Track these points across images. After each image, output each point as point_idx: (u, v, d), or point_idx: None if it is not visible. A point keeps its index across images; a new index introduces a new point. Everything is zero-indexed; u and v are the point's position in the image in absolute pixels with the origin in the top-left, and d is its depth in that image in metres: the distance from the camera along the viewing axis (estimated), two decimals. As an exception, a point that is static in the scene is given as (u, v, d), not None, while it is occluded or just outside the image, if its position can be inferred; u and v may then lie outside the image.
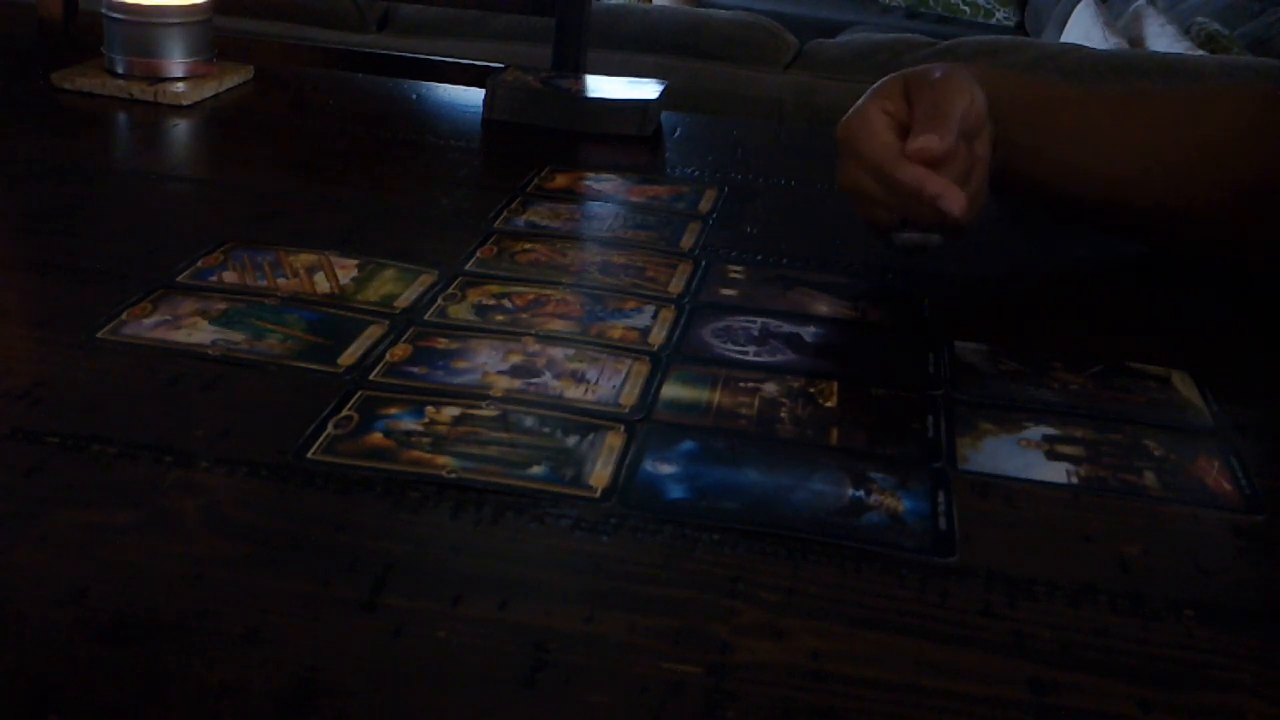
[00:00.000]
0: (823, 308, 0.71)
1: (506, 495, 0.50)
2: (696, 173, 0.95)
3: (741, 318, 0.68)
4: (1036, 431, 0.58)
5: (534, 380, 0.59)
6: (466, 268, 0.73)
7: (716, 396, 0.59)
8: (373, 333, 0.63)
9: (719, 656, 0.42)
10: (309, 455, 0.52)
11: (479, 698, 0.40)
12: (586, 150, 1.00)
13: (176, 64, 1.04)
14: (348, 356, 0.60)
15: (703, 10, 2.35)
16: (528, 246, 0.76)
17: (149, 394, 0.57)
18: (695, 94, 1.87)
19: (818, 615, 0.45)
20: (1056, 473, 0.55)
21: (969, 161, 0.72)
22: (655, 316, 0.67)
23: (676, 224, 0.83)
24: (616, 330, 0.65)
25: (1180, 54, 2.25)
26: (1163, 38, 2.53)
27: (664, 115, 1.08)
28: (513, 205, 0.84)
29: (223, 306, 0.64)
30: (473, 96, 1.10)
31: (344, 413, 0.55)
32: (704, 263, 0.76)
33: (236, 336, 0.61)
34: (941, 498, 0.52)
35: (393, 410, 0.56)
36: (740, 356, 0.64)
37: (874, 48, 2.02)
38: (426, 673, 0.40)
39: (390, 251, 0.73)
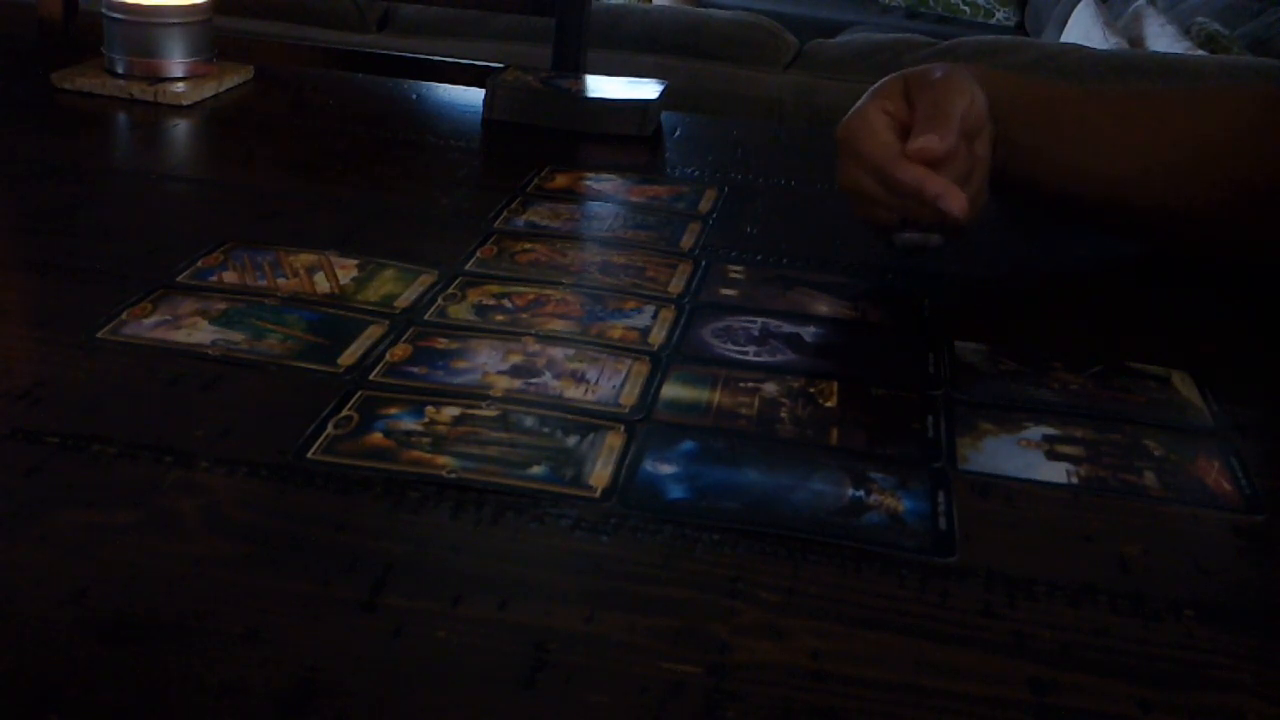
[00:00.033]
0: (823, 308, 0.71)
1: (506, 495, 0.50)
2: (696, 173, 0.95)
3: (741, 318, 0.68)
4: (1036, 431, 0.58)
5: (534, 380, 0.59)
6: (466, 268, 0.73)
7: (716, 396, 0.59)
8: (373, 333, 0.63)
9: (719, 656, 0.42)
10: (309, 455, 0.52)
11: (479, 698, 0.40)
12: (586, 150, 1.00)
13: (176, 64, 1.04)
14: (348, 356, 0.60)
15: (703, 10, 2.35)
16: (528, 246, 0.76)
17: (149, 394, 0.57)
18: (695, 94, 1.87)
19: (818, 615, 0.45)
20: (1056, 473, 0.55)
21: (969, 162, 0.72)
22: (655, 316, 0.67)
23: (676, 224, 0.83)
24: (616, 330, 0.65)
25: (1180, 54, 2.25)
26: (1163, 38, 2.53)
27: (664, 115, 1.08)
28: (513, 205, 0.84)
29: (223, 306, 0.64)
30: (473, 96, 1.10)
31: (344, 413, 0.55)
32: (704, 263, 0.76)
33: (236, 336, 0.61)
34: (941, 498, 0.52)
35: (393, 410, 0.56)
36: (740, 356, 0.64)
37: (874, 48, 2.02)
38: (426, 673, 0.40)
39: (390, 251, 0.73)
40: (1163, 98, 0.86)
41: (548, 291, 0.70)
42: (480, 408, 0.56)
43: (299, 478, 0.50)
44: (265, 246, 0.73)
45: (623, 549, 0.47)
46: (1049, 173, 0.79)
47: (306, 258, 0.71)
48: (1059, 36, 3.01)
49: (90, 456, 0.51)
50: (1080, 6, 2.93)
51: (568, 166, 0.94)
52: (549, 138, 1.02)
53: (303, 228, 0.78)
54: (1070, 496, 0.54)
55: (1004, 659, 0.43)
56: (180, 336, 0.61)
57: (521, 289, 0.70)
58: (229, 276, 0.68)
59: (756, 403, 0.59)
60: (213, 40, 1.07)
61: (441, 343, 0.62)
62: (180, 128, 0.99)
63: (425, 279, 0.70)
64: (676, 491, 0.51)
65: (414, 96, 1.16)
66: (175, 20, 1.04)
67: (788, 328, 0.68)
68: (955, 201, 0.68)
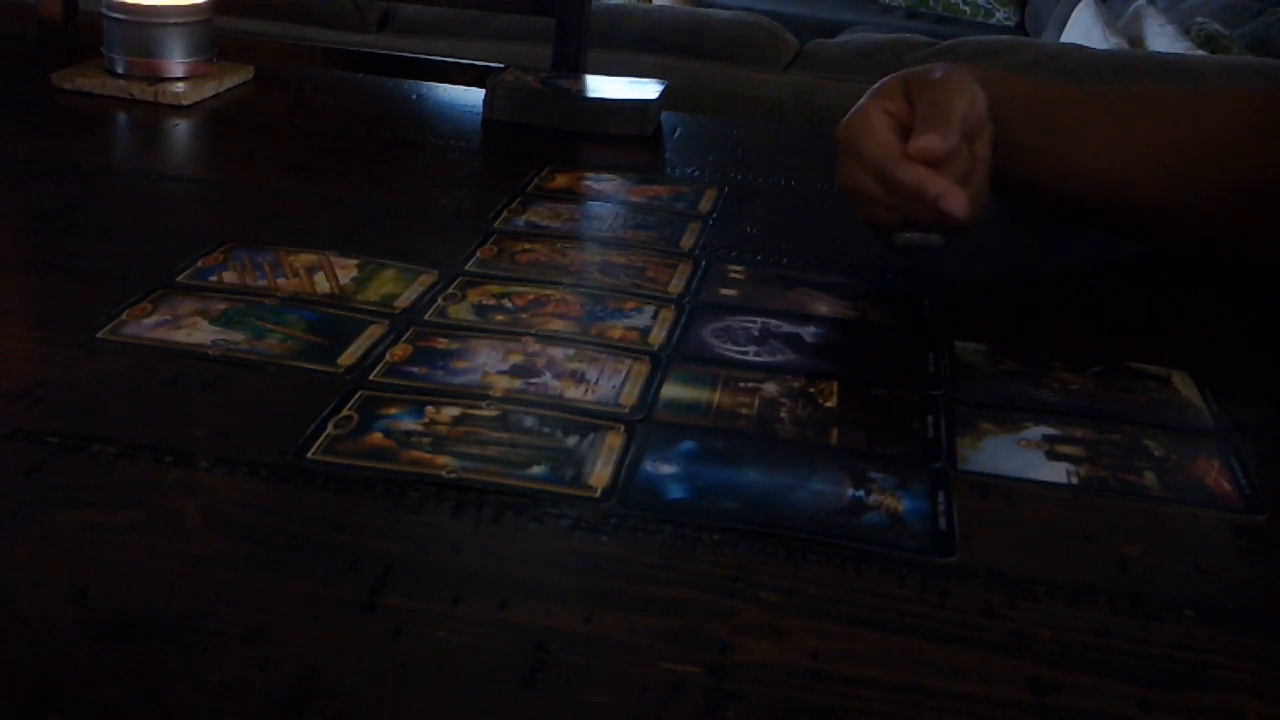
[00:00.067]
0: (823, 308, 0.71)
1: (506, 495, 0.50)
2: (696, 173, 0.95)
3: (741, 318, 0.68)
4: (1036, 431, 0.58)
5: (534, 380, 0.59)
6: (466, 268, 0.73)
7: (716, 396, 0.59)
8: (373, 333, 0.63)
9: (719, 656, 0.42)
10: (309, 455, 0.52)
11: (479, 698, 0.40)
12: (586, 150, 1.00)
13: (176, 64, 1.04)
14: (348, 356, 0.60)
15: (703, 10, 2.35)
16: (528, 246, 0.76)
17: (149, 394, 0.57)
18: (695, 94, 1.87)
19: (818, 615, 0.45)
20: (1056, 473, 0.55)
21: (970, 162, 0.72)
22: (655, 316, 0.67)
23: (676, 224, 0.83)
24: (616, 330, 0.65)
25: (1180, 54, 2.25)
26: (1163, 38, 2.53)
27: (664, 115, 1.08)
28: (513, 205, 0.84)
29: (223, 306, 0.64)
30: (473, 96, 1.10)
31: (344, 413, 0.55)
32: (704, 263, 0.76)
33: (236, 336, 0.61)
34: (941, 498, 0.52)
35: (393, 410, 0.56)
36: (740, 356, 0.64)
37: (874, 48, 2.02)
38: (426, 673, 0.40)
39: (390, 251, 0.73)
40: (1163, 98, 0.86)
41: (548, 291, 0.70)
42: (480, 408, 0.56)
43: (299, 478, 0.50)
44: (265, 246, 0.73)
45: (623, 549, 0.47)
46: (1049, 173, 0.79)
47: (306, 258, 0.71)
48: (1059, 36, 3.01)
49: (90, 456, 0.51)
50: (1080, 6, 2.93)
51: (568, 166, 0.94)
52: (549, 138, 1.02)
53: (303, 228, 0.78)
54: (1070, 496, 0.54)
55: (1004, 659, 0.43)
56: (180, 336, 0.61)
57: (521, 289, 0.70)
58: (229, 276, 0.68)
59: (756, 403, 0.59)
60: (213, 40, 1.07)
61: (441, 343, 0.62)
62: (180, 128, 0.99)
63: (425, 279, 0.70)
64: (676, 491, 0.51)
65: (414, 96, 1.16)
66: (175, 20, 1.04)
67: (788, 328, 0.68)
68: (956, 202, 0.68)
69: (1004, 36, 2.69)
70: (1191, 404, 0.63)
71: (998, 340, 0.68)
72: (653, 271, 0.74)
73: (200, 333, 0.62)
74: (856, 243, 0.79)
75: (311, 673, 0.39)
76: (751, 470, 0.54)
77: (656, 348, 0.64)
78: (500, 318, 0.66)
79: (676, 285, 0.72)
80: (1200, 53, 2.35)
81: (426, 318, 0.65)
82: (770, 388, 0.61)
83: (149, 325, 0.62)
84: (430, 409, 0.56)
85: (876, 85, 0.75)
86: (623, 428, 0.56)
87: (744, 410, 0.58)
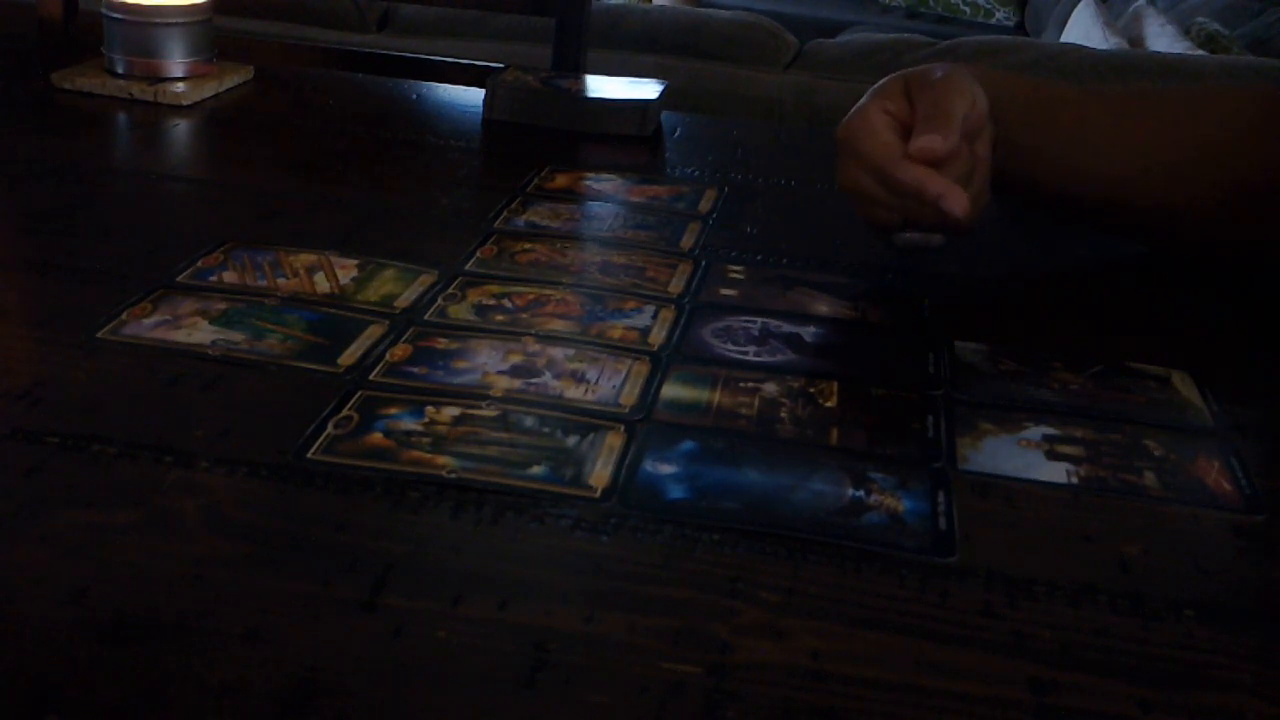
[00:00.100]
0: (823, 308, 0.71)
1: (506, 495, 0.50)
2: (696, 173, 0.95)
3: (741, 318, 0.68)
4: (1036, 431, 0.58)
5: (534, 380, 0.59)
6: (466, 268, 0.73)
7: (716, 396, 0.59)
8: (373, 333, 0.63)
9: (719, 656, 0.42)
10: (309, 455, 0.52)
11: (479, 698, 0.40)
12: (586, 150, 1.00)
13: (176, 64, 1.04)
14: (348, 356, 0.60)
15: (703, 10, 2.35)
16: (528, 246, 0.76)
17: (149, 394, 0.57)
18: (695, 94, 1.87)
19: (818, 615, 0.45)
20: (1056, 473, 0.55)
21: (971, 162, 0.72)
22: (655, 316, 0.67)
23: (676, 224, 0.83)
24: (616, 330, 0.65)
25: (1180, 54, 2.25)
26: (1163, 38, 2.53)
27: (664, 115, 1.08)
28: (513, 205, 0.84)
29: (223, 306, 0.64)
30: (473, 96, 1.10)
31: (344, 413, 0.55)
32: (704, 263, 0.76)
33: (236, 336, 0.61)
34: (941, 498, 0.52)
35: (393, 410, 0.56)
36: (740, 356, 0.64)
37: (874, 48, 2.02)
38: (426, 673, 0.40)
39: (390, 251, 0.73)
40: (1163, 98, 0.86)
41: (548, 291, 0.70)
42: (480, 408, 0.56)
43: (299, 478, 0.50)
44: (265, 246, 0.73)
45: (623, 549, 0.47)
46: (1049, 173, 0.79)
47: (306, 258, 0.71)
48: (1059, 36, 3.01)
49: (90, 456, 0.51)
50: (1080, 6, 2.93)
51: (568, 166, 0.94)
52: (549, 138, 1.02)
53: (303, 228, 0.78)
54: (1070, 496, 0.54)
55: (1004, 659, 0.43)
56: (180, 336, 0.61)
57: (521, 289, 0.70)
58: (229, 276, 0.68)
59: (756, 403, 0.59)
60: (213, 40, 1.07)
61: (441, 343, 0.62)
62: (180, 128, 0.99)
63: (425, 279, 0.70)
64: (676, 491, 0.51)
65: (414, 96, 1.16)
66: (175, 20, 1.04)
67: (788, 328, 0.68)
68: (957, 202, 0.68)
69: (1004, 36, 2.69)
70: (1191, 404, 0.63)
71: (998, 340, 0.68)
72: (653, 271, 0.74)
73: (200, 333, 0.62)
74: (856, 243, 0.79)
75: (311, 673, 0.39)
76: (751, 470, 0.53)
77: (656, 348, 0.64)
78: (500, 318, 0.66)
79: (676, 285, 0.72)
80: (1200, 53, 2.35)
81: (426, 318, 0.65)
82: (770, 388, 0.61)
83: (149, 325, 0.62)
84: (430, 409, 0.56)
85: (877, 85, 0.75)
86: (623, 428, 0.56)
87: (744, 410, 0.58)
